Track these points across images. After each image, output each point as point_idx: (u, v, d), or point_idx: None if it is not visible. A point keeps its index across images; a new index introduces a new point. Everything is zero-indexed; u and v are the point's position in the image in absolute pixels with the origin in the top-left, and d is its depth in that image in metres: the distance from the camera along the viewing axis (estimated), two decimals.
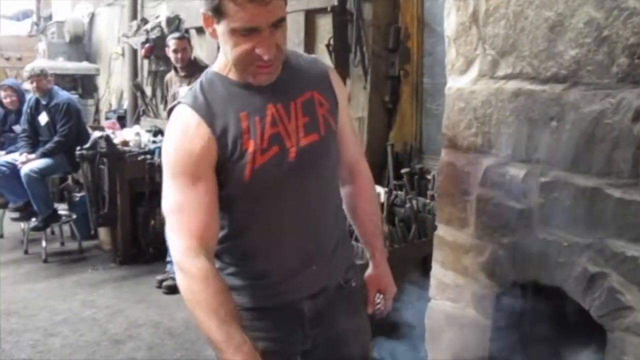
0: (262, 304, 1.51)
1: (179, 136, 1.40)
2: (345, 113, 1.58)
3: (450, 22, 1.83)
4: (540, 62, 1.60)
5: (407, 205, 2.97)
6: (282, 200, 1.45)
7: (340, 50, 3.33)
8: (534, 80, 1.62)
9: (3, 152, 5.71)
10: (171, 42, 4.62)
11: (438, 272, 1.91)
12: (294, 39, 4.10)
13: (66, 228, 6.03)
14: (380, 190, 3.15)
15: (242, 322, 1.34)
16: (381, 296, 1.68)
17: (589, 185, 1.49)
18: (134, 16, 6.46)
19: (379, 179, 3.34)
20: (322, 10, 3.87)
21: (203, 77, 1.50)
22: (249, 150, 1.39)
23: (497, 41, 1.70)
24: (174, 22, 5.52)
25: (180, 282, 1.35)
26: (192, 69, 4.65)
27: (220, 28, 1.33)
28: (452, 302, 1.87)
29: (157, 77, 6.10)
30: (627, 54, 1.40)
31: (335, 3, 3.30)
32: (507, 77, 1.69)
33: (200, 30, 5.36)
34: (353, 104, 3.45)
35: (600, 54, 1.46)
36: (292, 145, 1.43)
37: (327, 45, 3.51)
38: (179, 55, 4.55)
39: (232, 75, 1.44)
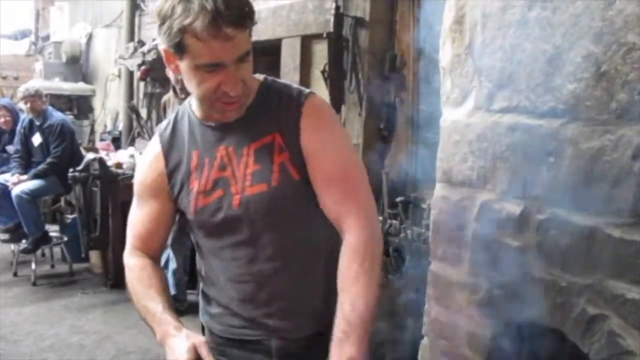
0: (227, 335, 1.50)
1: (142, 163, 1.53)
2: (315, 162, 1.35)
3: (446, 53, 1.79)
4: (537, 96, 1.57)
5: (402, 234, 2.92)
6: (230, 245, 1.41)
7: (335, 76, 3.31)
8: (531, 115, 1.58)
9: None
10: None
11: (432, 309, 1.86)
12: (289, 64, 4.09)
13: (57, 250, 5.96)
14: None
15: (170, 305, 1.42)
16: None
17: (588, 224, 1.45)
18: (130, 38, 6.47)
19: None
20: (318, 36, 3.86)
21: (182, 106, 1.50)
22: (193, 190, 1.40)
23: (493, 73, 1.67)
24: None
25: (126, 278, 1.50)
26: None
27: (183, 65, 1.28)
28: (446, 340, 1.81)
29: (153, 100, 6.08)
30: (626, 90, 1.36)
31: (331, 29, 3.29)
32: (504, 111, 1.65)
33: None
34: (348, 130, 3.41)
35: (599, 89, 1.43)
36: (237, 193, 1.37)
37: (323, 72, 3.49)
38: (180, 77, 4.50)
39: (198, 112, 1.42)
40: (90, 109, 7.57)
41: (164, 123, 1.51)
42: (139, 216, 1.49)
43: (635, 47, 1.33)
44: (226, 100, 1.30)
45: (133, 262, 1.48)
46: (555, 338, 1.58)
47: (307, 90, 1.44)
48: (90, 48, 7.83)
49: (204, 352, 1.27)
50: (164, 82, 5.34)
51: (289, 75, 4.09)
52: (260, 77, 1.47)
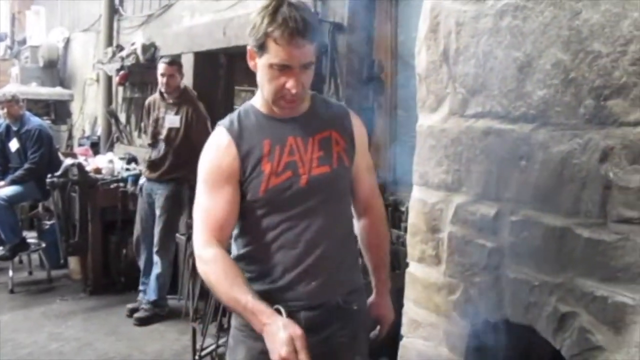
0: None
1: (213, 151, 1.71)
2: (363, 155, 1.80)
3: (421, 59, 1.84)
4: (509, 102, 1.62)
5: None
6: (290, 217, 1.68)
7: (314, 81, 3.33)
8: (504, 120, 1.63)
9: None
10: (160, 66, 4.55)
11: (410, 309, 1.90)
12: None
13: (35, 257, 5.90)
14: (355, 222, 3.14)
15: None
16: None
17: (558, 224, 1.50)
18: (109, 43, 6.43)
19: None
20: None
21: (242, 107, 1.79)
22: (265, 172, 1.67)
23: (467, 80, 1.72)
24: (150, 50, 5.50)
25: (200, 270, 1.65)
26: (182, 97, 4.58)
27: (261, 62, 1.60)
28: (424, 340, 1.85)
29: (132, 104, 6.06)
30: (593, 95, 1.42)
31: None
32: (477, 116, 1.70)
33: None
34: None
35: (568, 95, 1.48)
36: (305, 173, 1.68)
37: None
38: (165, 80, 4.48)
39: (263, 109, 1.71)
40: (68, 114, 7.51)
41: (227, 120, 1.75)
42: (214, 204, 1.66)
43: (601, 54, 1.39)
44: (288, 98, 1.61)
45: (213, 252, 1.62)
46: (529, 335, 1.63)
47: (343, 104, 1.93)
48: (68, 52, 7.77)
49: (299, 345, 1.45)
50: (143, 87, 5.34)
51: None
52: (310, 91, 1.78)
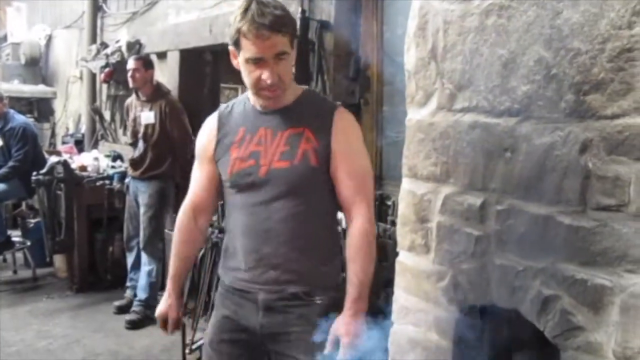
0: (232, 284, 1.91)
1: (202, 130, 1.96)
2: (343, 158, 1.79)
3: (410, 56, 1.91)
4: (494, 97, 1.70)
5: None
6: (253, 204, 1.81)
7: (301, 78, 3.40)
8: (489, 114, 1.71)
9: None
10: (129, 63, 4.63)
11: (400, 297, 1.97)
12: None
13: (19, 255, 5.89)
14: (341, 216, 3.21)
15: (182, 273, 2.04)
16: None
17: (542, 212, 1.58)
18: (93, 40, 6.42)
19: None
20: None
21: (243, 95, 1.94)
22: (232, 156, 1.83)
23: (454, 76, 1.79)
24: (135, 47, 5.52)
25: None
26: (154, 94, 4.65)
27: (240, 59, 1.73)
28: (414, 326, 1.92)
29: (117, 102, 6.06)
30: (573, 91, 1.50)
31: (297, 33, 3.38)
32: (464, 110, 1.78)
33: (160, 56, 5.37)
34: None
35: (550, 91, 1.56)
36: (265, 165, 1.78)
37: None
38: (130, 74, 4.56)
39: (251, 101, 1.86)
40: (51, 112, 7.47)
41: (224, 105, 1.98)
42: (197, 177, 1.95)
43: (580, 52, 1.47)
44: (267, 88, 1.72)
45: (180, 218, 1.97)
46: (514, 319, 1.71)
47: (339, 104, 1.99)
48: (50, 50, 7.72)
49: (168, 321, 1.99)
50: (128, 85, 5.34)
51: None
52: (304, 87, 1.94)
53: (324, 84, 3.40)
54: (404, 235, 1.94)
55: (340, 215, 2.03)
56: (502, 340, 1.80)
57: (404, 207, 1.94)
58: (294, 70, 1.88)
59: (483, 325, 1.79)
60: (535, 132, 1.60)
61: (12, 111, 5.60)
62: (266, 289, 1.82)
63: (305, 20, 3.39)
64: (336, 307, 1.80)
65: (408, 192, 1.92)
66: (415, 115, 1.91)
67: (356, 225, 1.80)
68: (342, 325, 1.74)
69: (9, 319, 4.71)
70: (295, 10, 3.69)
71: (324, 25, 3.41)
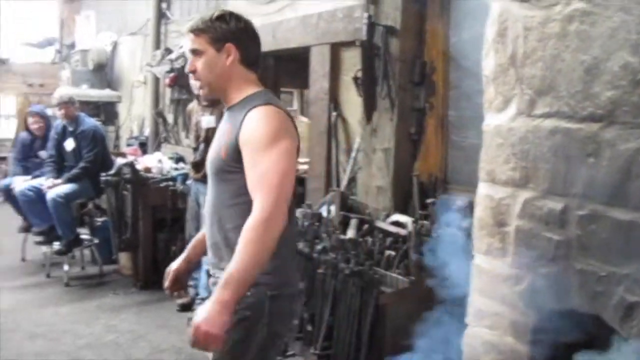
0: None
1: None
2: (246, 153, 1.85)
3: (489, 62, 1.94)
4: (576, 102, 1.70)
5: (434, 234, 3.05)
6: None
7: (368, 83, 3.45)
8: (571, 119, 1.72)
9: (29, 177, 5.83)
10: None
11: (475, 299, 1.99)
12: (318, 71, 4.23)
13: (87, 252, 6.12)
14: (408, 219, 3.24)
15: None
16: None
17: (626, 218, 1.58)
18: (157, 46, 6.63)
19: (405, 209, 3.43)
20: (348, 44, 4.00)
21: None
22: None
23: (534, 82, 1.81)
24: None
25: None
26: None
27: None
28: (489, 329, 1.94)
29: (179, 105, 6.24)
30: None
31: (364, 37, 3.43)
32: (545, 116, 1.79)
33: None
34: (379, 135, 3.55)
35: (636, 96, 1.56)
36: (209, 155, 2.01)
37: (355, 78, 3.63)
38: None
39: None
40: (116, 115, 7.75)
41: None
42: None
43: None
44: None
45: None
46: (594, 325, 1.71)
47: (267, 103, 1.89)
48: (115, 55, 8.01)
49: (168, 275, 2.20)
50: (190, 89, 5.51)
51: (318, 82, 4.23)
52: (258, 89, 1.97)
53: (389, 88, 3.43)
54: (480, 238, 1.96)
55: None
56: (581, 346, 1.79)
57: (481, 211, 1.96)
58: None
59: (562, 330, 1.78)
60: (620, 138, 1.60)
61: (83, 114, 5.83)
62: (212, 265, 2.03)
63: (372, 26, 3.43)
64: (246, 298, 1.80)
65: (485, 196, 1.94)
66: (493, 120, 1.93)
67: (250, 217, 1.77)
68: (200, 310, 1.73)
69: (79, 312, 4.91)
70: (359, 14, 3.75)
71: (389, 30, 3.44)
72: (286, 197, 1.80)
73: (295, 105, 9.41)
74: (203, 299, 4.78)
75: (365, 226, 3.28)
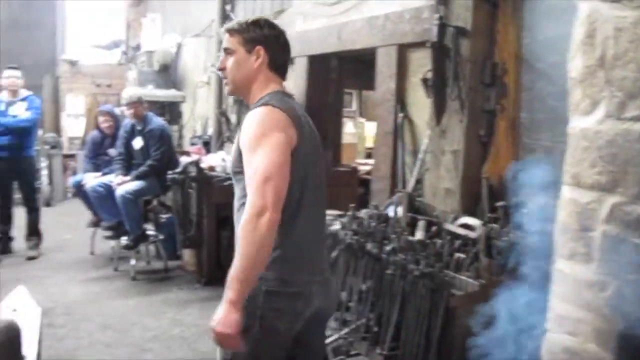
0: None
1: None
2: (244, 152, 1.91)
3: (576, 64, 1.90)
4: None
5: (504, 238, 3.01)
6: None
7: (438, 84, 3.43)
8: None
9: (99, 174, 6.05)
10: None
11: (556, 305, 1.95)
12: (385, 72, 4.24)
13: (151, 248, 6.31)
14: (477, 222, 3.20)
15: None
16: None
17: None
18: (220, 47, 6.76)
19: (473, 211, 3.39)
20: (415, 45, 3.99)
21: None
22: None
23: (625, 84, 1.76)
24: None
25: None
26: None
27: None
28: (570, 335, 1.90)
29: (242, 106, 6.35)
30: None
31: (435, 39, 3.41)
32: (635, 119, 1.74)
33: None
34: (449, 136, 3.53)
35: None
36: None
37: (424, 80, 3.62)
38: None
39: None
40: (179, 115, 7.95)
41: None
42: None
43: None
44: None
45: None
46: None
47: (264, 104, 1.95)
48: (180, 57, 8.22)
49: None
50: None
51: (385, 83, 4.23)
52: (275, 89, 2.06)
53: (460, 90, 3.41)
54: (563, 243, 1.92)
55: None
56: None
57: (565, 216, 1.92)
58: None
59: None
60: None
61: (150, 114, 6.01)
62: None
63: (442, 27, 3.41)
64: (250, 300, 1.88)
65: (570, 200, 1.90)
66: (579, 123, 1.89)
67: (243, 215, 1.87)
68: (216, 312, 1.83)
69: (146, 306, 5.07)
70: (428, 16, 3.73)
71: (460, 31, 3.41)
72: (276, 191, 1.81)
73: (354, 106, 9.43)
74: None
75: (433, 228, 3.27)
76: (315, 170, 2.05)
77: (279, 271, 1.94)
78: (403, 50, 4.12)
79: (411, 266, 2.87)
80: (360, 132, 9.39)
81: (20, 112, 6.19)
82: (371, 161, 7.85)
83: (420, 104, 3.95)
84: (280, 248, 1.91)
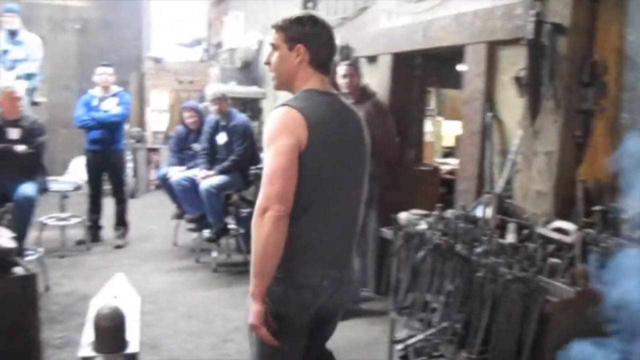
0: None
1: None
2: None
3: None
4: None
5: (602, 244, 2.88)
6: None
7: (533, 83, 3.32)
8: None
9: (183, 168, 6.25)
10: (341, 69, 4.89)
11: None
12: (473, 71, 4.15)
13: (231, 241, 6.47)
14: (571, 227, 3.08)
15: None
16: None
17: None
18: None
19: (567, 215, 3.27)
20: (506, 42, 3.88)
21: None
22: None
23: None
24: (344, 51, 5.76)
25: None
26: (361, 96, 4.88)
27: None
28: None
29: None
30: None
31: (530, 36, 3.29)
32: None
33: (370, 59, 5.56)
34: (542, 137, 3.41)
35: None
36: None
37: (516, 78, 3.51)
38: (347, 81, 4.81)
39: None
40: (260, 111, 8.09)
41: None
42: None
43: None
44: None
45: None
46: None
47: (283, 104, 2.10)
48: (261, 54, 8.37)
49: None
50: (336, 86, 5.60)
51: (473, 82, 4.14)
52: (310, 87, 2.15)
53: (555, 89, 3.28)
54: None
55: None
56: None
57: None
58: None
59: None
60: None
61: (234, 110, 6.16)
62: None
63: (539, 23, 3.29)
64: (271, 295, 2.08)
65: None
66: None
67: None
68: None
69: (227, 297, 5.20)
70: (521, 12, 3.62)
71: (557, 28, 3.28)
72: (278, 192, 1.96)
73: (433, 104, 9.30)
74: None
75: (525, 231, 3.17)
76: (339, 169, 2.14)
77: (288, 264, 2.07)
78: (492, 48, 4.01)
79: (503, 269, 2.79)
80: (437, 130, 9.25)
81: (112, 108, 6.49)
82: (450, 160, 7.73)
83: (510, 103, 3.84)
84: (290, 242, 2.03)
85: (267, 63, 2.22)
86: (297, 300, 2.11)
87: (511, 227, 3.21)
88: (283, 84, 2.22)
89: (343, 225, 2.22)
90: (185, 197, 6.01)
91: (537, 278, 2.71)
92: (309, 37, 2.13)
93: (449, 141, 9.42)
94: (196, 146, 6.39)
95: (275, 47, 2.18)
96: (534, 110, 3.33)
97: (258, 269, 2.04)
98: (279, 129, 2.02)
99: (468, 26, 4.17)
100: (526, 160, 3.51)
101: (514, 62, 3.79)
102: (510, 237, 3.09)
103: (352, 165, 2.21)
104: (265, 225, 1.98)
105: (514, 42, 3.71)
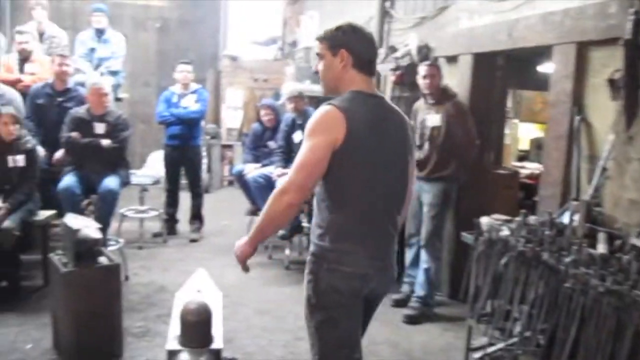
0: None
1: None
2: None
3: None
4: None
5: None
6: None
7: (630, 86, 3.14)
8: None
9: (259, 165, 6.33)
10: (422, 69, 4.83)
11: None
12: (561, 72, 3.98)
13: (303, 239, 6.50)
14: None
15: None
16: None
17: None
18: (379, 44, 6.77)
19: None
20: (598, 42, 3.71)
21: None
22: None
23: None
24: (423, 51, 5.68)
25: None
26: (442, 97, 4.81)
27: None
28: None
29: (400, 102, 6.31)
30: None
31: (628, 35, 3.12)
32: None
33: (450, 60, 5.46)
34: (637, 143, 3.23)
35: None
36: None
37: (611, 80, 3.34)
38: (428, 81, 4.75)
39: None
40: None
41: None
42: None
43: None
44: None
45: None
46: None
47: (327, 103, 2.27)
48: None
49: None
50: (413, 86, 5.53)
51: (560, 83, 3.98)
52: (355, 89, 2.31)
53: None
54: None
55: None
56: None
57: None
58: None
59: None
60: None
61: (310, 109, 6.17)
62: None
63: (638, 22, 3.11)
64: (313, 255, 2.35)
65: None
66: None
67: None
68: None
69: (299, 295, 4.96)
70: (615, 11, 3.44)
71: None
72: (302, 183, 2.16)
73: (509, 106, 9.04)
74: (419, 297, 4.80)
75: (617, 242, 3.01)
76: (379, 166, 2.26)
77: (339, 255, 2.26)
78: (583, 49, 3.84)
79: (595, 281, 2.66)
80: (513, 133, 8.99)
81: (191, 104, 6.65)
82: (528, 164, 7.48)
83: (601, 107, 3.66)
84: (338, 232, 2.26)
85: (316, 72, 2.41)
86: (348, 287, 2.28)
87: (602, 236, 3.06)
88: (331, 88, 2.38)
89: (383, 218, 2.35)
90: (260, 194, 6.07)
91: (633, 292, 2.56)
92: (350, 41, 2.30)
93: (524, 144, 9.13)
94: (271, 144, 6.45)
95: (320, 56, 2.35)
96: (629, 114, 3.16)
97: (261, 227, 2.32)
98: (317, 127, 2.21)
99: (556, 25, 4.01)
100: (618, 167, 3.34)
101: (605, 63, 3.61)
102: (601, 248, 2.95)
103: (392, 164, 2.35)
104: (280, 205, 2.19)
105: (606, 42, 3.54)
